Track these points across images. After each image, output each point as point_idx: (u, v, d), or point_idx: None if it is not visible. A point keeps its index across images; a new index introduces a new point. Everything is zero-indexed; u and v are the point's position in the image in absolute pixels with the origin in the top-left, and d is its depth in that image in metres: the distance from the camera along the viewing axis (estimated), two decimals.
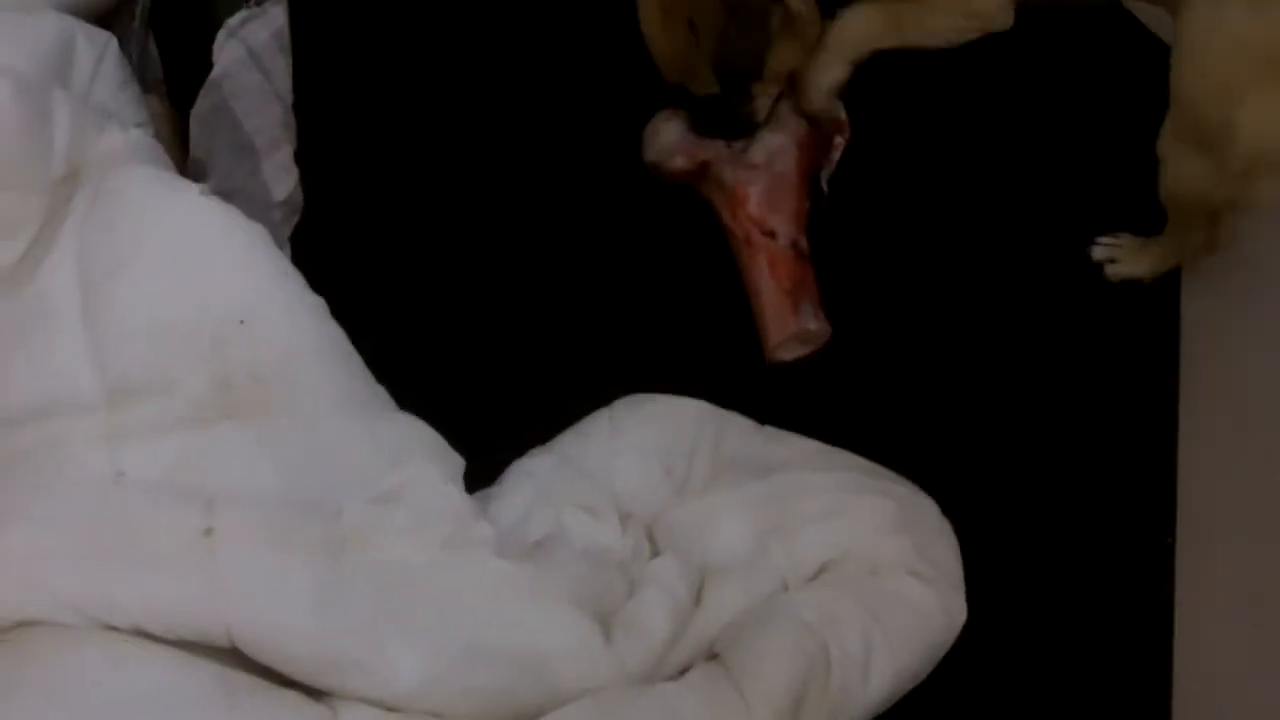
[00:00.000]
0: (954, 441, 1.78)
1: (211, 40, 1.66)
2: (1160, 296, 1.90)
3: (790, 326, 1.80)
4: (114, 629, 1.33)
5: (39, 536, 1.35)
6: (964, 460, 1.76)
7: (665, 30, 1.75)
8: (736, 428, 1.66)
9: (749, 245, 1.84)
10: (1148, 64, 1.88)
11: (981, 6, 1.71)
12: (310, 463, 1.45)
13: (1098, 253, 1.91)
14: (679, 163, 1.88)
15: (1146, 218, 1.85)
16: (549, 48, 2.03)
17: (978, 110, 2.00)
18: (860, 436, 1.66)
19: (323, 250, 1.72)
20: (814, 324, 1.81)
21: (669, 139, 1.88)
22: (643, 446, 1.61)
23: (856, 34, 1.75)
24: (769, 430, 1.67)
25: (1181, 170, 1.68)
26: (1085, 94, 2.03)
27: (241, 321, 1.47)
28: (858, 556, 1.52)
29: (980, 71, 1.86)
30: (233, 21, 1.65)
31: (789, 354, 1.82)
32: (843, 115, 1.85)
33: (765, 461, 1.61)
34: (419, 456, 1.50)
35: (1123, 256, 1.90)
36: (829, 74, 1.78)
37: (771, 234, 1.83)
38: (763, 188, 1.84)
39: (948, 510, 1.60)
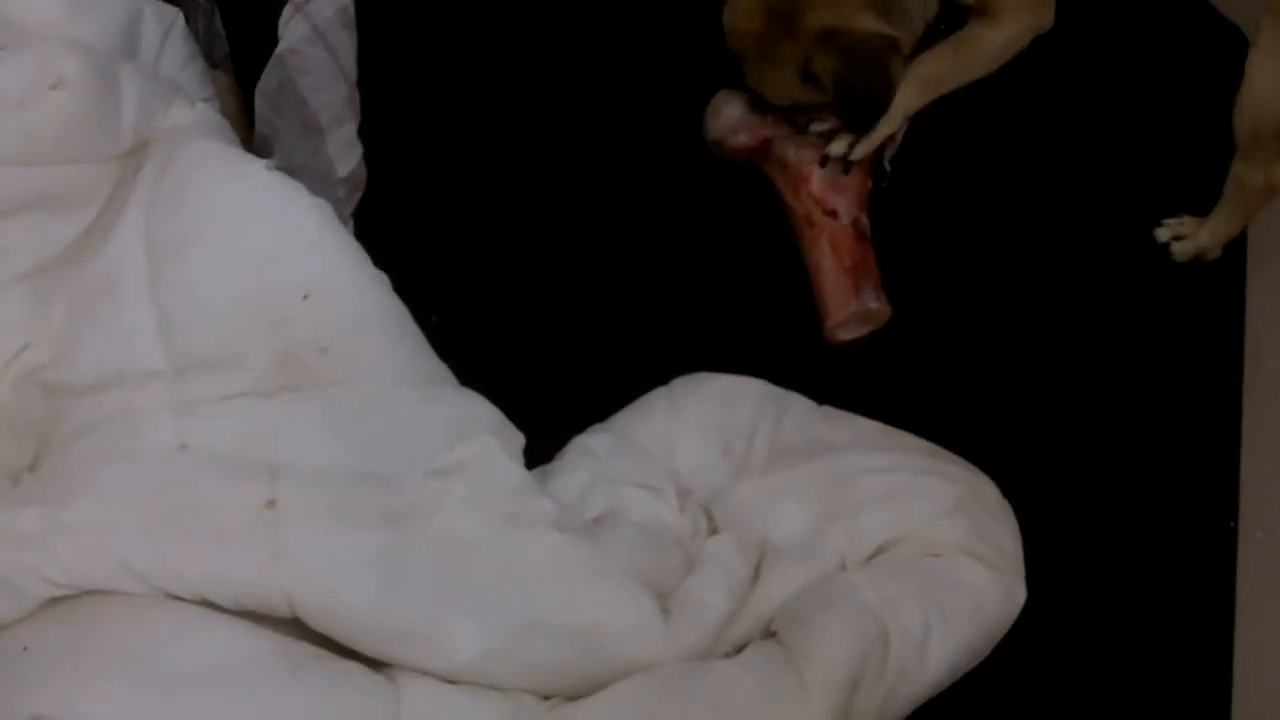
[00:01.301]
0: (1015, 424, 1.78)
1: (277, 16, 1.67)
2: (1225, 280, 1.89)
3: (851, 306, 1.80)
4: (179, 599, 1.36)
5: (107, 507, 1.36)
6: (1025, 443, 1.75)
7: (778, 83, 1.77)
8: (796, 407, 1.65)
9: (810, 224, 1.84)
10: (1213, 45, 1.92)
11: (1037, 18, 1.77)
12: (373, 436, 1.45)
13: (1162, 234, 1.91)
14: (741, 140, 1.87)
15: (1211, 201, 1.84)
16: (615, 24, 2.02)
17: (1042, 90, 1.98)
18: (920, 417, 1.66)
19: (385, 226, 1.72)
20: (874, 304, 1.80)
21: (731, 117, 1.87)
22: (702, 425, 1.61)
23: (920, 87, 1.81)
24: (828, 410, 1.66)
25: (1268, 88, 1.65)
26: (1150, 75, 2.02)
27: (306, 296, 1.49)
28: (917, 538, 1.51)
29: (1046, 52, 1.83)
30: None
31: (849, 334, 1.82)
32: None
33: (825, 442, 1.61)
34: (480, 431, 1.50)
35: (1187, 233, 1.89)
36: (886, 126, 1.82)
37: (833, 213, 1.83)
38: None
39: (1008, 492, 1.59)
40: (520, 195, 1.91)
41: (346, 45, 1.69)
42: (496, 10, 2.03)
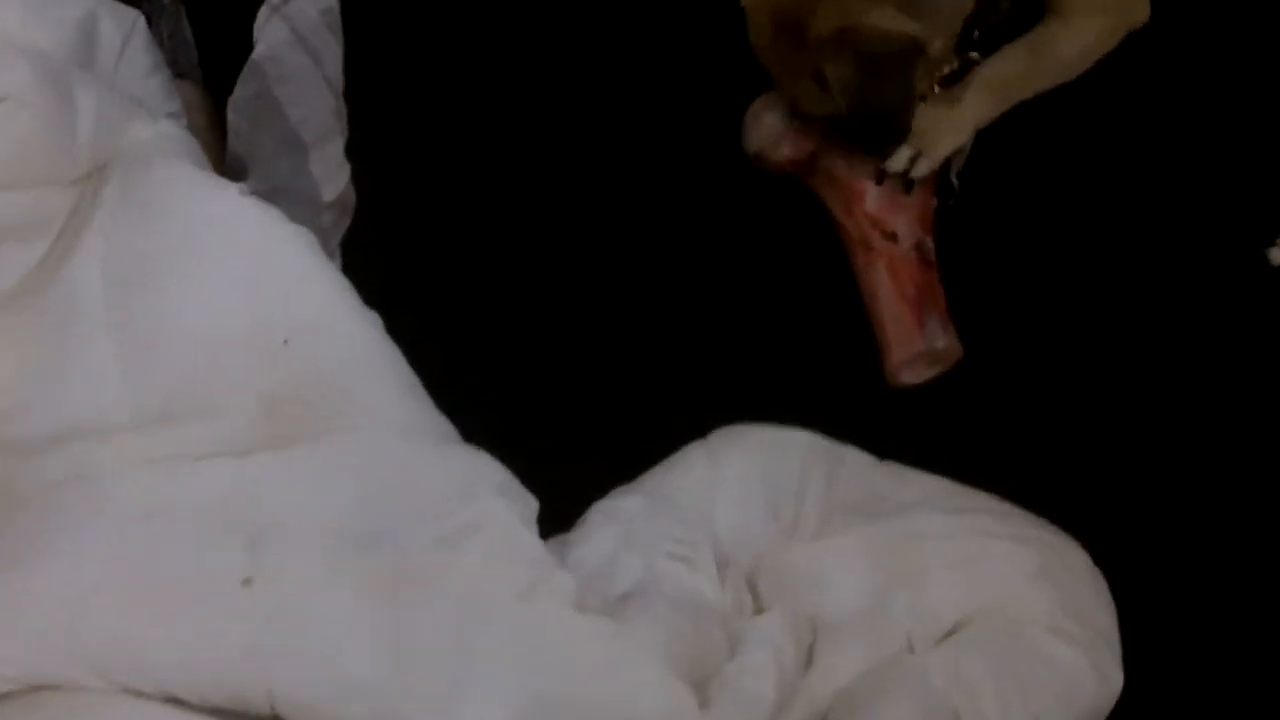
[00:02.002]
0: (1107, 480, 1.77)
1: (252, 18, 1.67)
2: None
3: (915, 344, 1.80)
4: (140, 694, 1.36)
5: (65, 580, 1.37)
6: (1119, 502, 1.75)
7: (805, 97, 1.79)
8: (853, 463, 1.66)
9: (867, 249, 1.85)
10: None
11: (1127, 14, 1.80)
12: (368, 495, 1.47)
13: (1277, 255, 1.92)
14: (785, 152, 1.89)
15: None
16: (635, 26, 2.04)
17: (1135, 91, 1.97)
18: (996, 473, 1.65)
19: (378, 258, 1.75)
20: (942, 341, 1.80)
21: (772, 125, 1.89)
22: (745, 484, 1.62)
23: (990, 93, 1.82)
24: (890, 466, 1.67)
25: None
26: (1260, 75, 2.01)
27: (286, 341, 1.52)
28: (994, 611, 1.51)
29: (1140, 47, 1.85)
30: None
31: (914, 376, 1.82)
32: None
33: (886, 501, 1.61)
34: (487, 494, 1.51)
35: None
36: (953, 138, 1.84)
37: (893, 236, 1.84)
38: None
39: (1099, 559, 1.59)
40: (534, 218, 1.93)
41: (332, 50, 1.71)
42: (505, 5, 2.05)
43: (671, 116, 1.99)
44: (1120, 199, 1.95)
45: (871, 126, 1.77)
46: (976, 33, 1.80)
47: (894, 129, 1.78)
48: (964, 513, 1.59)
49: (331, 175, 1.73)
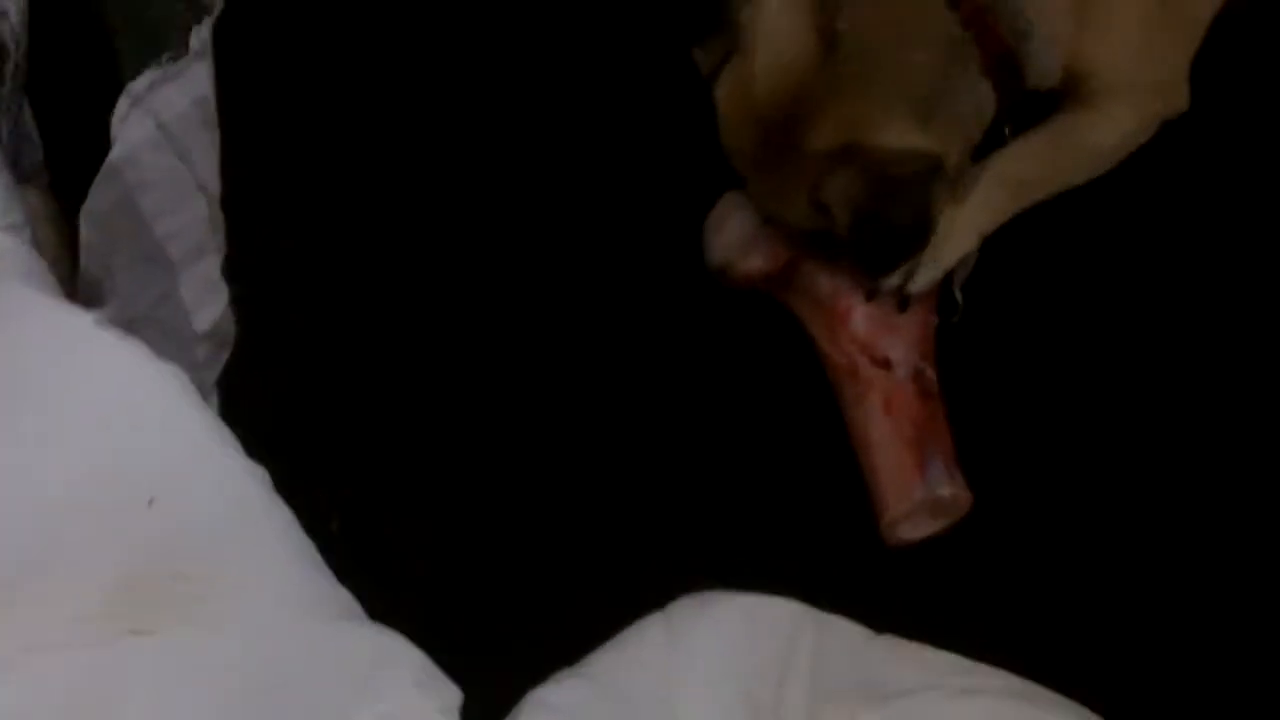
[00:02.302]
0: (1139, 650, 1.76)
1: (109, 111, 1.66)
2: None
3: (915, 493, 1.77)
4: None
5: None
6: (1156, 672, 1.74)
7: (788, 210, 1.78)
8: (844, 638, 1.61)
9: (855, 379, 1.83)
10: None
11: (1164, 103, 1.80)
12: (251, 689, 1.41)
13: None
14: (756, 263, 1.87)
15: None
16: (579, 114, 2.06)
17: (1172, 182, 1.97)
18: (1013, 644, 1.64)
19: (263, 400, 1.76)
20: (947, 489, 1.78)
21: (740, 232, 1.87)
22: (713, 667, 1.56)
23: (1002, 193, 1.81)
24: (889, 640, 1.61)
25: None
26: None
27: (151, 501, 1.45)
28: None
29: (1181, 134, 1.84)
30: (138, 85, 1.64)
31: (915, 531, 1.79)
32: None
33: (885, 684, 1.56)
34: (398, 684, 1.46)
35: None
36: (958, 245, 1.82)
37: (886, 363, 1.81)
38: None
39: None
40: (453, 343, 1.92)
41: (205, 149, 1.69)
42: (422, 95, 2.06)
43: (621, 228, 1.99)
44: (1155, 315, 1.96)
45: (883, 251, 1.77)
46: (1008, 130, 1.80)
47: (905, 252, 1.78)
48: (977, 695, 1.56)
49: (205, 300, 1.71)
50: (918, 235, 1.75)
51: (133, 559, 1.43)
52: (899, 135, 1.68)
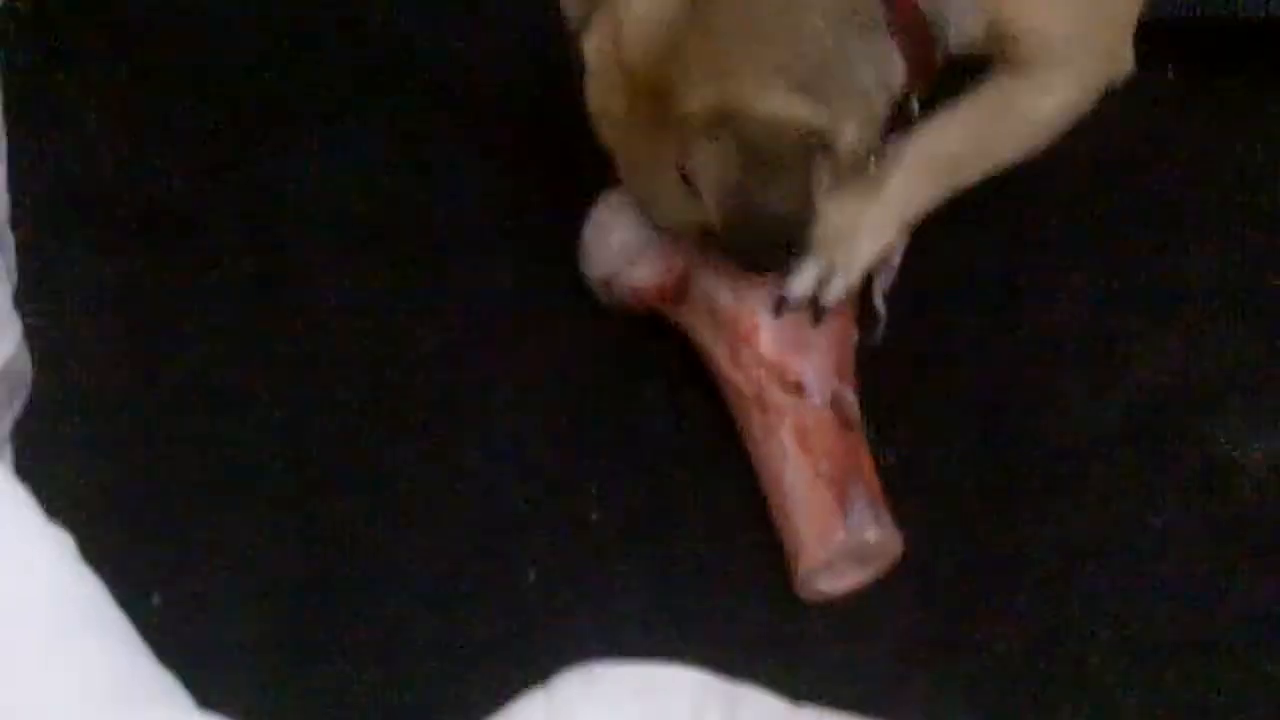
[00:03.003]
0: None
1: None
2: None
3: (836, 538, 1.68)
4: None
5: None
6: None
7: (661, 197, 1.72)
8: (757, 712, 1.39)
9: (763, 408, 1.75)
10: None
11: (1107, 64, 1.76)
12: None
13: None
14: (644, 275, 1.81)
15: None
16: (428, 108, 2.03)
17: (1125, 159, 1.97)
18: (959, 710, 1.63)
19: (67, 451, 1.72)
20: (873, 532, 1.70)
21: (624, 240, 1.81)
22: None
23: (928, 176, 1.75)
24: (812, 714, 1.39)
25: None
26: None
27: None
28: None
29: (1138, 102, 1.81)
30: None
31: (837, 583, 1.72)
32: None
33: None
34: None
35: None
36: (875, 243, 1.76)
37: (798, 388, 1.73)
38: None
39: None
40: (291, 375, 1.88)
41: None
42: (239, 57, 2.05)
43: (484, 245, 1.95)
44: (1111, 315, 1.91)
45: (755, 240, 1.69)
46: (916, 104, 1.73)
47: (782, 247, 1.71)
48: None
49: None
50: (795, 226, 1.67)
51: None
52: (780, 103, 1.59)
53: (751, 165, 1.61)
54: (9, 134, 1.66)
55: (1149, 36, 1.80)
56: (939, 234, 1.82)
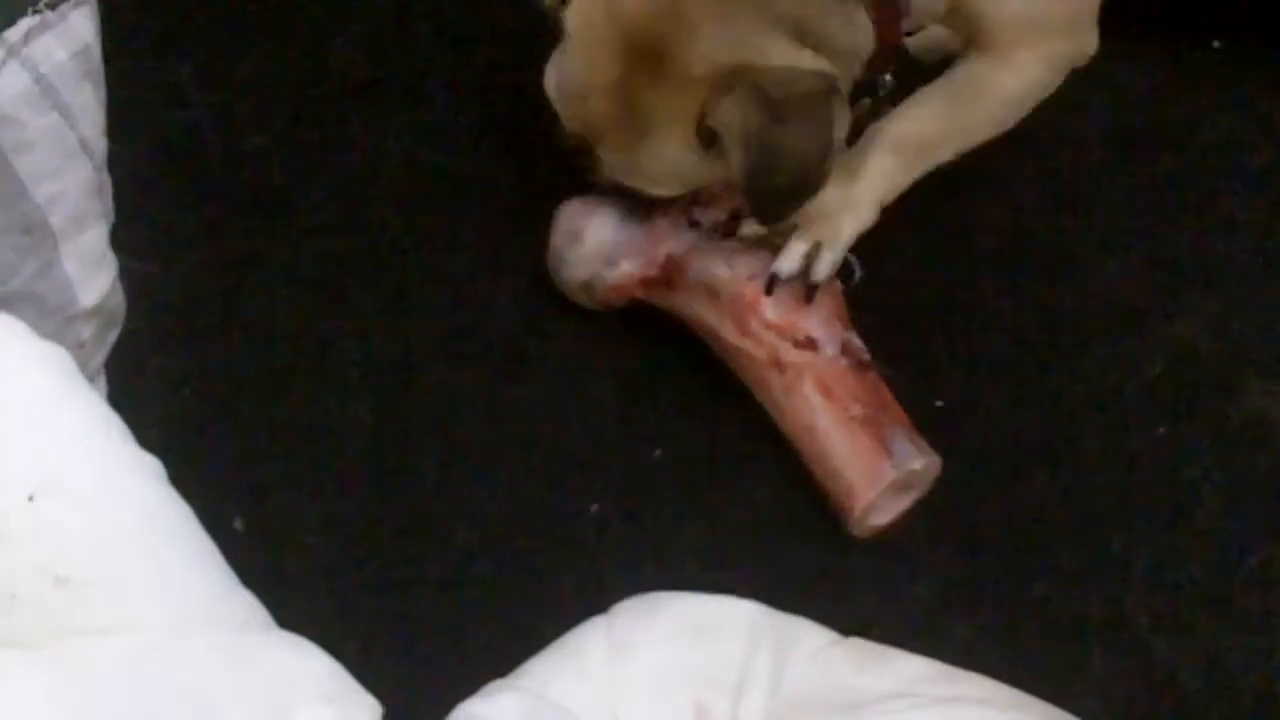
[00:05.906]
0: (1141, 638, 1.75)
1: None
2: None
3: (884, 475, 1.73)
4: None
5: None
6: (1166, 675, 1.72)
7: (661, 160, 1.72)
8: (808, 642, 1.53)
9: (780, 368, 1.78)
10: None
11: (1072, 43, 1.79)
12: (140, 712, 1.32)
13: None
14: (626, 272, 1.83)
15: None
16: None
17: (1078, 141, 2.02)
18: (1002, 644, 1.67)
19: (157, 384, 1.75)
20: (919, 461, 1.74)
21: (601, 239, 1.83)
22: (662, 675, 1.50)
23: (901, 158, 1.79)
24: (856, 644, 1.53)
25: None
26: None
27: (31, 497, 1.35)
28: None
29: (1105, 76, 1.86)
30: (12, 34, 1.54)
31: (885, 515, 1.75)
32: None
33: (854, 692, 1.50)
34: (309, 700, 1.38)
35: None
36: (854, 220, 1.80)
37: (810, 343, 1.78)
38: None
39: None
40: (370, 318, 1.92)
41: (90, 105, 1.60)
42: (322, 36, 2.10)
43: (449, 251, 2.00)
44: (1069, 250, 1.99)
45: (784, 187, 1.70)
46: (889, 77, 1.78)
47: (810, 187, 1.72)
48: (956, 704, 1.51)
49: (90, 274, 1.62)
50: (818, 167, 1.69)
51: (9, 561, 1.35)
52: (786, 53, 1.63)
53: (776, 112, 1.64)
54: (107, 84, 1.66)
55: (1191, 8, 1.88)
56: (988, 197, 1.93)
